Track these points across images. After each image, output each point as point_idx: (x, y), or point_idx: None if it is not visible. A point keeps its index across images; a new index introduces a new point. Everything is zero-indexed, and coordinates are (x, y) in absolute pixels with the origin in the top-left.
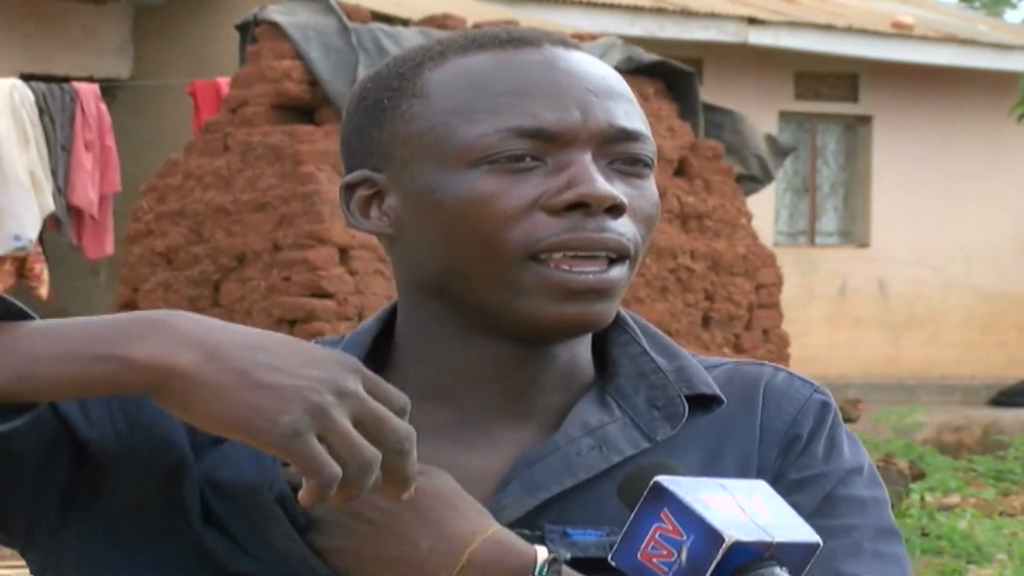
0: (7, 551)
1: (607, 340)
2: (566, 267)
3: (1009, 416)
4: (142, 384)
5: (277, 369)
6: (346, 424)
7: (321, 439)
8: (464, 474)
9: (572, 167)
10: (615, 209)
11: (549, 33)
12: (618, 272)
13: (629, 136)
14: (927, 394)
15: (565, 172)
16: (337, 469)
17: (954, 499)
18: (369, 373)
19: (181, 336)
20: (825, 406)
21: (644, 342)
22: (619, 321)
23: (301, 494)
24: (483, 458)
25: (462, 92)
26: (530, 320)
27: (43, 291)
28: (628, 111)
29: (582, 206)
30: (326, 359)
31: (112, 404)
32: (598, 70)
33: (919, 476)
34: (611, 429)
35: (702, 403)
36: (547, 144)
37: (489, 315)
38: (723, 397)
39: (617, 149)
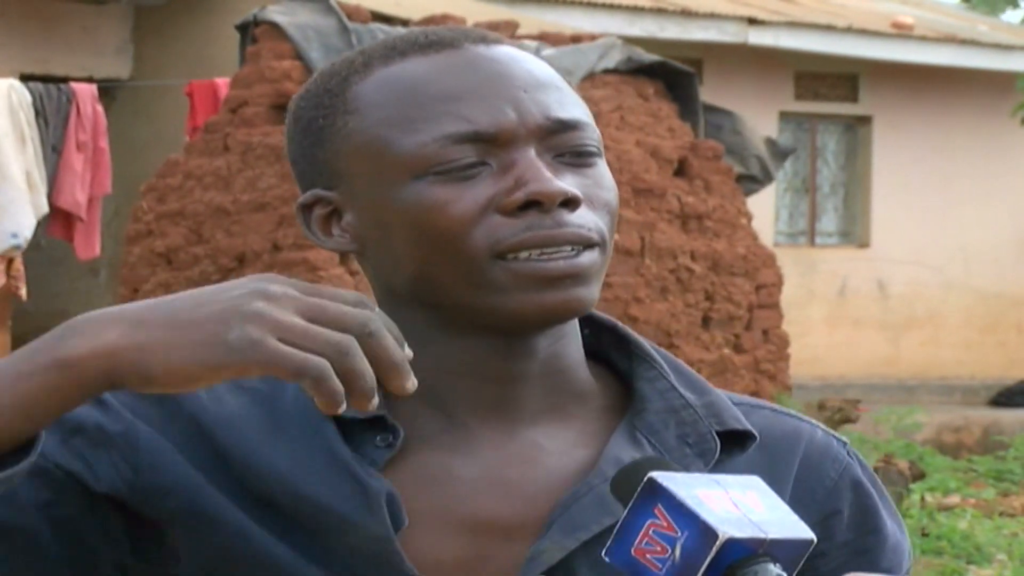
0: None
1: (633, 374)
2: (535, 258)
3: (1009, 416)
4: (93, 376)
5: (199, 305)
6: (296, 319)
7: (284, 342)
8: (455, 478)
9: (518, 166)
10: (569, 203)
11: (468, 31)
12: (589, 257)
13: (567, 126)
14: (927, 394)
15: (512, 172)
16: (318, 359)
17: (954, 499)
18: (304, 283)
19: (99, 322)
20: (862, 478)
21: (672, 377)
22: (645, 356)
23: (319, 405)
24: (473, 462)
25: (393, 103)
26: (509, 314)
27: (23, 291)
28: (562, 100)
29: (536, 204)
30: (239, 283)
31: (111, 453)
32: (524, 64)
33: (919, 476)
34: None
35: (736, 440)
36: (488, 146)
37: (466, 315)
38: (755, 433)
39: (559, 141)
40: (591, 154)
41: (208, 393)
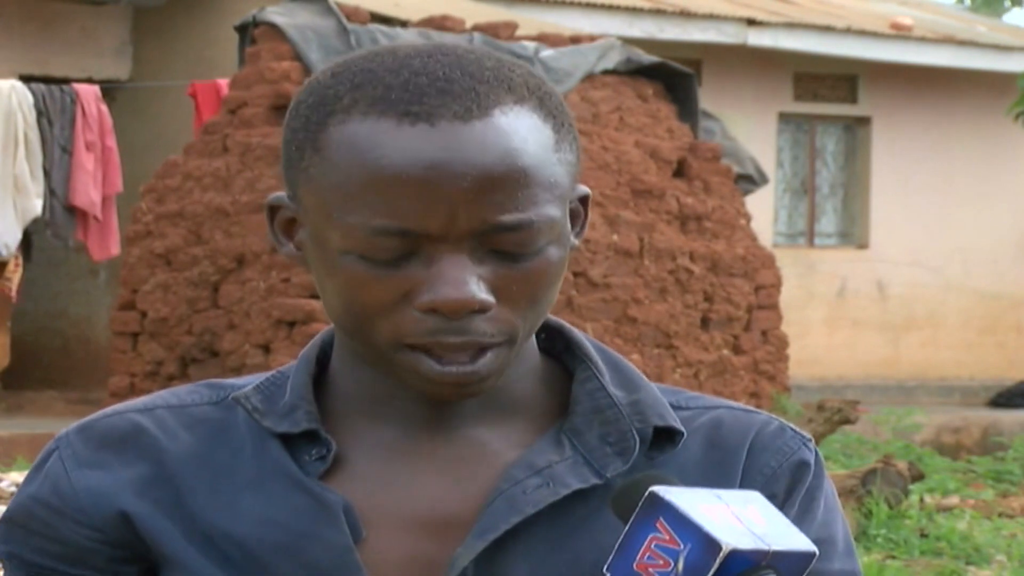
0: None
1: (573, 379)
2: (437, 356)
3: (1008, 417)
4: None
5: None
6: None
7: None
8: (400, 483)
9: (437, 266)
10: (477, 311)
11: (459, 96)
12: (490, 358)
13: (506, 228)
14: (926, 395)
15: (431, 269)
16: None
17: (953, 500)
18: None
19: None
20: (802, 466)
21: (606, 377)
22: (584, 356)
23: None
24: (415, 465)
25: (348, 169)
26: (412, 389)
27: (13, 292)
28: (514, 199)
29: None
30: None
31: (92, 533)
32: (487, 154)
33: (918, 477)
34: (559, 467)
35: (667, 436)
36: (417, 240)
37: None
38: (681, 429)
39: (495, 241)
40: (532, 254)
41: (163, 432)
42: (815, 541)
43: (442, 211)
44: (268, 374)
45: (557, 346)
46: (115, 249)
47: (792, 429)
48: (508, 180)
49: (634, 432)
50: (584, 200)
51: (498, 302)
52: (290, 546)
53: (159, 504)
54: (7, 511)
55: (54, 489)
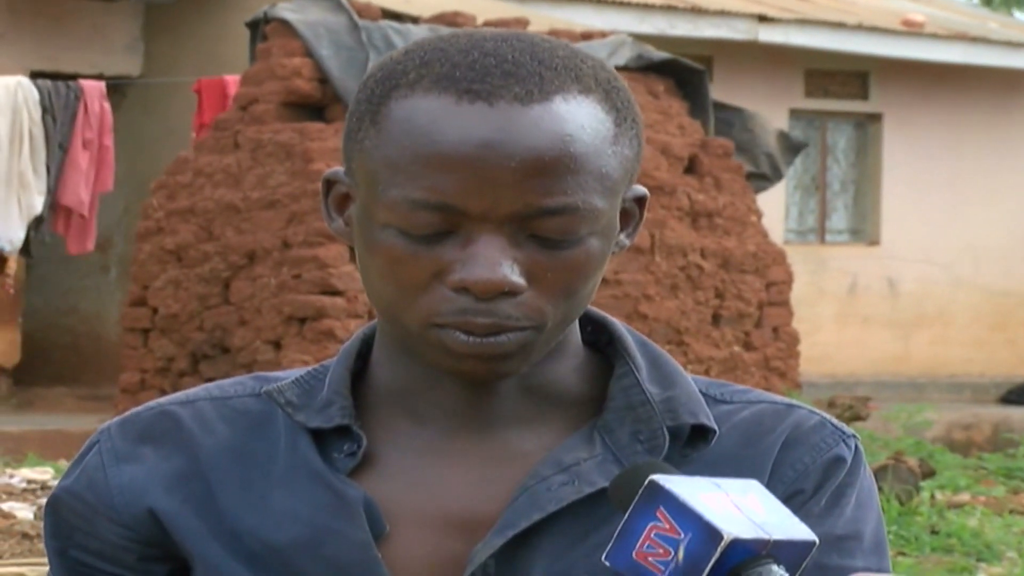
0: (6, 549)
1: (612, 374)
2: (462, 332)
3: (1019, 414)
4: None
5: None
6: None
7: None
8: (430, 481)
9: (473, 246)
10: (508, 293)
11: (523, 80)
12: (510, 338)
13: (549, 213)
14: (937, 392)
15: (468, 248)
16: None
17: (964, 497)
18: None
19: None
20: (837, 462)
21: (643, 372)
22: (623, 351)
23: None
24: (448, 464)
25: (401, 143)
26: (448, 372)
27: (10, 287)
28: (561, 184)
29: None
30: None
31: (122, 539)
32: (541, 138)
33: (929, 474)
34: (587, 465)
35: (701, 434)
36: (456, 216)
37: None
38: (714, 427)
39: (536, 225)
40: (572, 243)
41: (199, 425)
42: (840, 537)
43: (486, 191)
44: (311, 368)
45: (602, 340)
46: (91, 244)
47: (833, 424)
48: (558, 165)
49: (664, 430)
50: (640, 201)
51: (530, 288)
52: (311, 542)
53: (189, 500)
54: (49, 503)
55: (90, 484)
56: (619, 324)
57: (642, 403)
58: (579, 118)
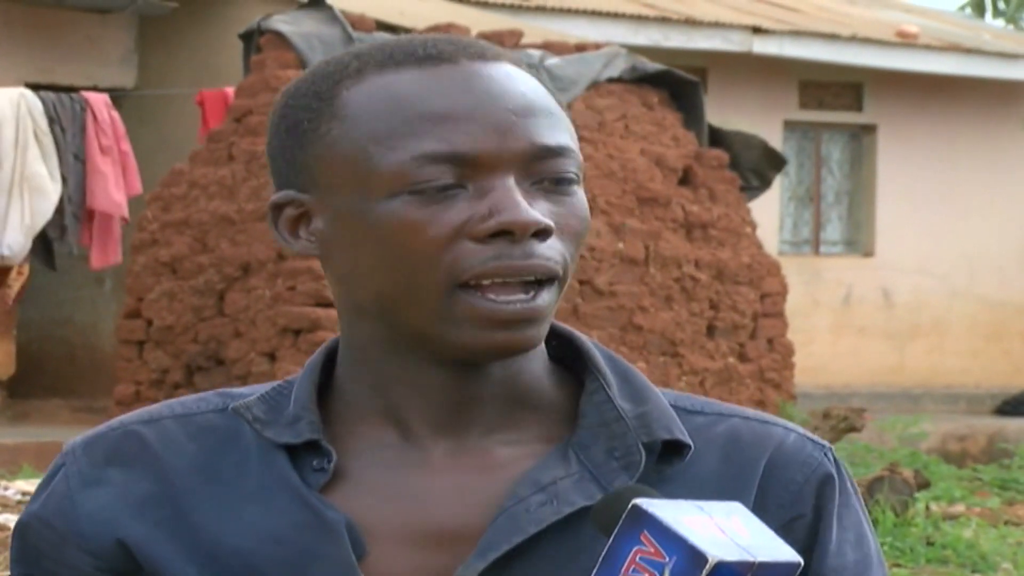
0: (0, 561)
1: (583, 391)
2: (493, 295)
3: (1014, 425)
4: None
5: None
6: None
7: None
8: (410, 493)
9: (494, 192)
10: (541, 233)
11: (468, 45)
12: (546, 297)
13: (552, 153)
14: (932, 403)
15: (488, 198)
16: None
17: (959, 508)
18: None
19: None
20: (828, 480)
21: (614, 388)
22: (594, 367)
23: None
24: (427, 475)
25: (379, 116)
26: (460, 346)
27: (11, 298)
28: (552, 125)
29: (507, 233)
30: None
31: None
32: (518, 85)
33: (924, 485)
34: (564, 484)
35: (675, 449)
36: (467, 169)
37: (420, 339)
38: (688, 442)
39: (540, 167)
40: (570, 182)
41: (165, 446)
42: (853, 563)
43: (491, 136)
44: (274, 384)
45: (568, 355)
46: (117, 257)
47: (810, 439)
48: (546, 107)
49: (640, 446)
50: None
51: None
52: (293, 563)
53: (161, 524)
54: (17, 528)
55: (58, 510)
56: (586, 339)
57: (615, 419)
58: (532, 77)
